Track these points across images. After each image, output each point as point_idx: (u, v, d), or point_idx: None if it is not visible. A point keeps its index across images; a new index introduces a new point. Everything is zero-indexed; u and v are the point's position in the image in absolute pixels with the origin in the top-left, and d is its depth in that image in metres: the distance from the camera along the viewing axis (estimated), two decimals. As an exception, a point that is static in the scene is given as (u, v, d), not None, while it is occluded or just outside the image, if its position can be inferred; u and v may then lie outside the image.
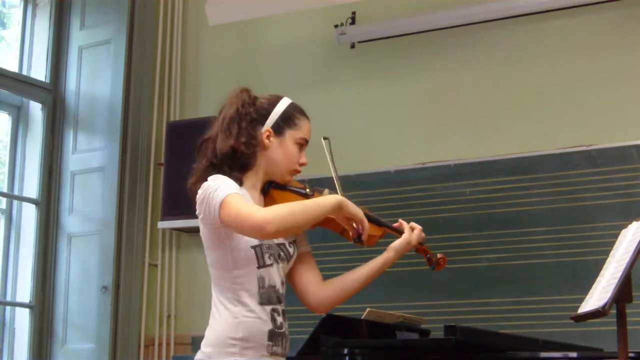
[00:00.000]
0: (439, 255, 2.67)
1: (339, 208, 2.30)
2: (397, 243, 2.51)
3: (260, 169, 2.44)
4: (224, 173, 2.37)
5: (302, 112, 2.50)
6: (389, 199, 4.65)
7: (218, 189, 2.27)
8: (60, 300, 5.36)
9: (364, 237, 2.35)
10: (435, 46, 4.89)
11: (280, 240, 2.40)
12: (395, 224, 2.58)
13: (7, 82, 5.40)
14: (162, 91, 5.62)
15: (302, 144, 2.47)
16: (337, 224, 2.41)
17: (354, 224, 2.35)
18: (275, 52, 5.39)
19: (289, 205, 2.28)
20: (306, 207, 2.26)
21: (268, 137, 2.43)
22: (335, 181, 2.49)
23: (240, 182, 2.40)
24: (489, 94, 4.72)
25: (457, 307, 4.31)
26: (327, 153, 2.57)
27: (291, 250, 2.44)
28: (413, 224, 2.56)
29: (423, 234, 2.56)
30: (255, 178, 2.44)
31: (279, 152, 2.44)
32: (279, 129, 2.44)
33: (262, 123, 2.44)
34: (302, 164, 2.48)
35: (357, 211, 2.34)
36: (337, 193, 2.47)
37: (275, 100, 2.49)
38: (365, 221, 2.35)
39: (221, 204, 2.24)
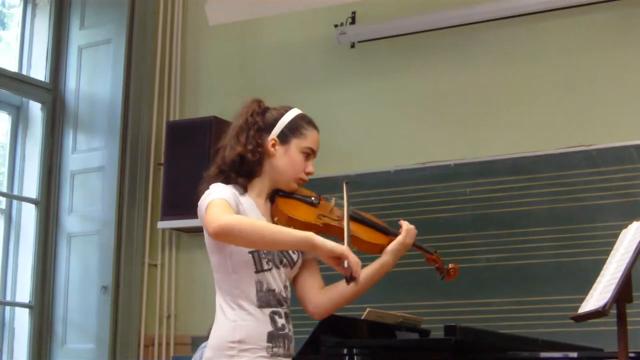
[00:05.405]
0: (450, 265, 2.65)
1: (311, 247, 2.24)
2: (392, 245, 2.51)
3: (266, 177, 2.47)
4: (230, 179, 2.43)
5: (310, 123, 2.53)
6: (389, 199, 4.65)
7: (209, 195, 2.34)
8: (60, 300, 5.36)
9: (356, 275, 2.23)
10: (435, 46, 4.88)
11: None
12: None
13: (7, 82, 5.40)
14: (162, 91, 5.62)
15: (309, 153, 2.49)
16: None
17: (344, 264, 2.23)
18: (275, 52, 5.39)
19: (260, 223, 2.29)
20: (274, 232, 2.24)
21: (274, 145, 2.46)
22: (345, 231, 2.39)
23: (245, 189, 2.45)
24: (488, 94, 4.72)
25: (457, 307, 4.31)
26: (344, 195, 2.51)
27: (295, 256, 2.45)
28: (404, 222, 2.55)
29: (415, 230, 2.54)
30: (261, 186, 2.47)
31: (283, 160, 2.46)
32: (284, 137, 2.47)
33: (269, 132, 2.48)
34: (308, 173, 2.50)
35: (336, 247, 2.23)
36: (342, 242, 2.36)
37: (284, 111, 2.52)
38: (351, 255, 2.22)
39: (206, 207, 2.30)
